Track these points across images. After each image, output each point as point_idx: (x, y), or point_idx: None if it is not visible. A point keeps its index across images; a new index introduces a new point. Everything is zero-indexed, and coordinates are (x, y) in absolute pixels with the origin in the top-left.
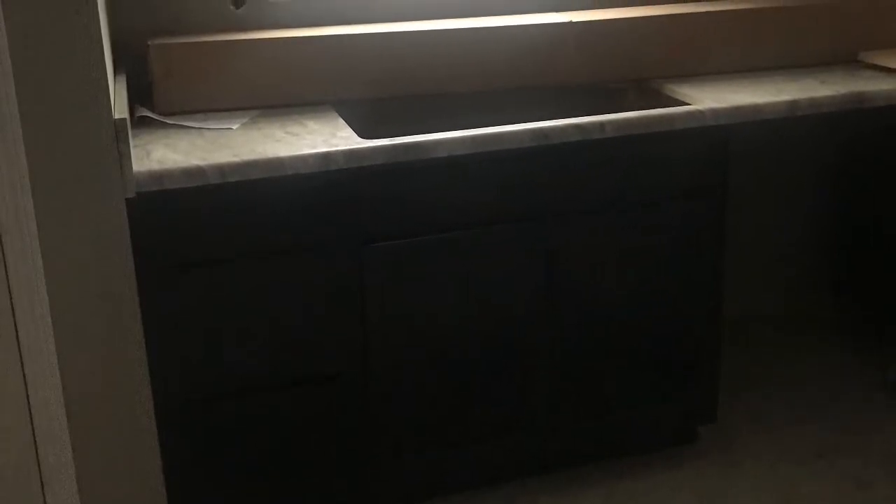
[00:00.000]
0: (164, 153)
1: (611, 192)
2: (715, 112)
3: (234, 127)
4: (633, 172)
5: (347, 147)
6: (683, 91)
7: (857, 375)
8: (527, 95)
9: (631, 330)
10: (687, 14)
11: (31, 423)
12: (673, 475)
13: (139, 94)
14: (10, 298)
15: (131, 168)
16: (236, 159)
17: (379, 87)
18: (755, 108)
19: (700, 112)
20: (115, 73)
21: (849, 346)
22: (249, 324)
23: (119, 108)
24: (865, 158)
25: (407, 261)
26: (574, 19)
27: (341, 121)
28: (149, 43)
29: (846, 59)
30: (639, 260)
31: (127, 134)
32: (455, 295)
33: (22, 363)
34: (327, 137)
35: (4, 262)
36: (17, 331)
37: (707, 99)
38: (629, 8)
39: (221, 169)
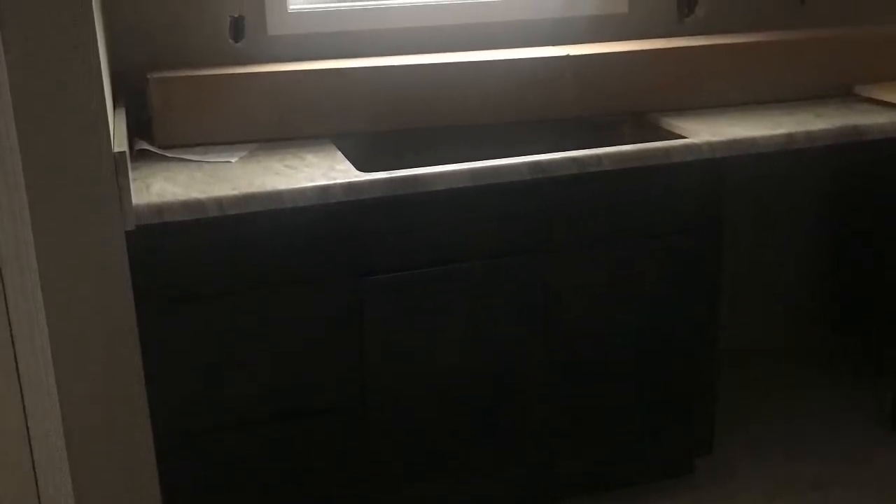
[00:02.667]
0: (164, 186)
1: (608, 224)
2: (711, 145)
3: (234, 160)
4: (630, 205)
5: (346, 180)
6: (680, 124)
7: (853, 408)
8: (525, 128)
9: (628, 361)
10: (683, 48)
11: (31, 455)
12: None
13: (139, 128)
14: (10, 330)
15: (131, 201)
16: (235, 192)
17: (378, 120)
18: (752, 141)
19: (697, 145)
20: (115, 106)
21: (845, 379)
22: (249, 356)
23: (119, 141)
24: (862, 192)
25: (405, 293)
26: (571, 53)
27: (340, 154)
28: (148, 76)
29: (842, 93)
30: (636, 292)
31: (126, 167)
32: (453, 327)
33: (22, 395)
34: (326, 170)
35: (4, 295)
36: (16, 362)
37: (704, 132)
38: (626, 42)
39: (220, 202)
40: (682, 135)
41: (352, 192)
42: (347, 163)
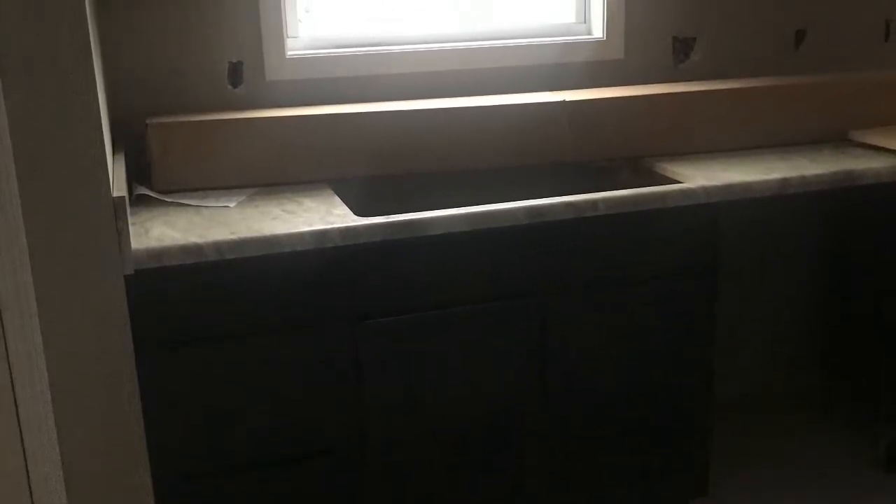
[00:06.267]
0: (163, 231)
1: (604, 269)
2: (707, 190)
3: (232, 205)
4: (625, 250)
5: (343, 225)
6: (676, 169)
7: (848, 451)
8: (522, 173)
9: (624, 405)
10: (679, 93)
11: (31, 499)
12: None
13: (138, 173)
14: (10, 374)
15: (130, 245)
16: (233, 237)
17: (375, 165)
18: (746, 186)
19: (692, 190)
20: (115, 151)
21: (840, 423)
22: (247, 399)
23: (118, 185)
24: (857, 237)
25: (402, 337)
26: (568, 98)
27: (337, 198)
28: (147, 122)
29: (836, 138)
30: (631, 336)
31: (125, 211)
32: (450, 371)
33: (22, 438)
34: (323, 215)
35: (4, 339)
36: (16, 406)
37: (699, 177)
38: (622, 87)
39: (219, 246)
40: (678, 179)
41: (349, 236)
42: (345, 207)
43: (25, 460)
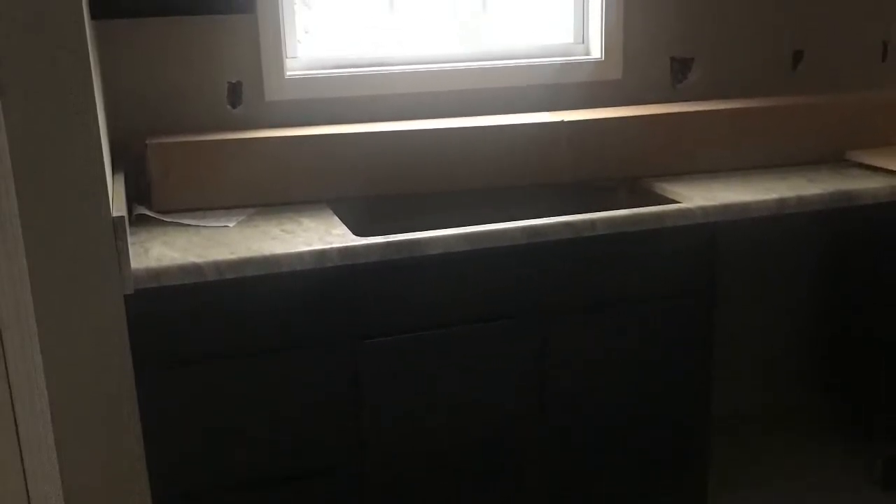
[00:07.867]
0: (162, 250)
1: (602, 288)
2: (705, 210)
3: (231, 225)
4: (623, 269)
5: (342, 244)
6: (674, 189)
7: (844, 470)
8: (520, 193)
9: (622, 423)
10: (677, 113)
11: None
12: None
13: (138, 193)
14: (10, 393)
15: (129, 265)
16: (233, 257)
17: (374, 185)
18: (744, 206)
19: (690, 210)
20: (114, 171)
21: (837, 443)
22: (247, 418)
23: (117, 205)
24: (854, 256)
25: (402, 356)
26: (566, 119)
27: (336, 218)
28: (147, 142)
29: (834, 158)
30: (629, 356)
31: (125, 231)
32: (449, 390)
33: (21, 457)
34: (322, 235)
35: (4, 358)
36: (16, 425)
37: (697, 197)
38: (621, 107)
39: (218, 266)
40: (676, 199)
41: (348, 256)
42: (344, 227)
43: (25, 479)
